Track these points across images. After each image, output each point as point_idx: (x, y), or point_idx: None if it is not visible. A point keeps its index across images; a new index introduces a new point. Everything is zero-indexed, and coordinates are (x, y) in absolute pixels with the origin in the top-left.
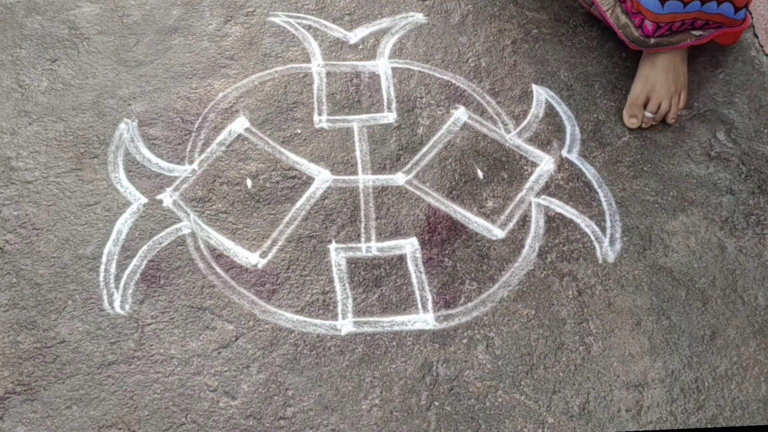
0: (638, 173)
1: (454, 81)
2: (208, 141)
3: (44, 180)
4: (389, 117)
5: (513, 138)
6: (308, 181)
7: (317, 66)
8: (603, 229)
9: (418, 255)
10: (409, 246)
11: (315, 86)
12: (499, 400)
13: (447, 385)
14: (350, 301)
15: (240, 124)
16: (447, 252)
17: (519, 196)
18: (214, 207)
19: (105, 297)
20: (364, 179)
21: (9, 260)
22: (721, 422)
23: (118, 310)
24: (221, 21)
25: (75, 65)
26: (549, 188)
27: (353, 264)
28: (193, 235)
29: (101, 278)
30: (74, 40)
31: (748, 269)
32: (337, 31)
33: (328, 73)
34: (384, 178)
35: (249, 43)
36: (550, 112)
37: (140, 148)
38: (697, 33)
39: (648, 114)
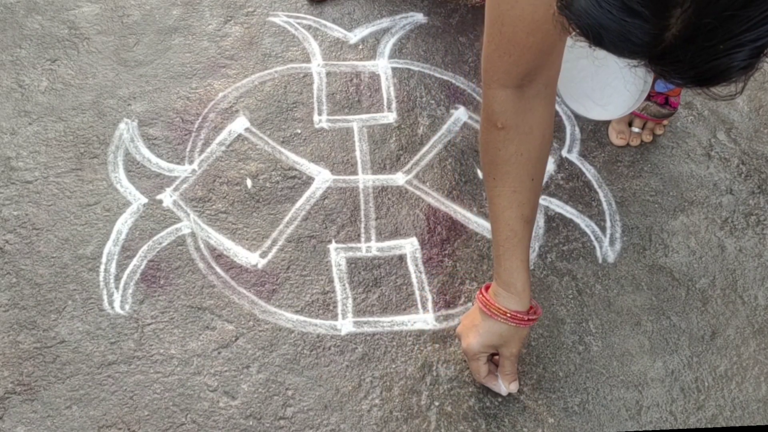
0: (638, 173)
1: (454, 81)
2: (208, 141)
3: (44, 180)
4: (389, 117)
5: None
6: (308, 181)
7: (317, 66)
8: (603, 229)
9: (418, 255)
10: (409, 246)
11: (315, 86)
12: (499, 399)
13: (447, 385)
14: (350, 301)
15: (240, 124)
16: (447, 252)
17: None
18: (214, 207)
19: (105, 297)
20: (364, 179)
21: (9, 260)
22: (721, 422)
23: (118, 310)
24: (221, 21)
25: (75, 65)
26: (549, 188)
27: (353, 264)
28: (193, 235)
29: (101, 278)
30: (74, 40)
31: (748, 269)
32: (337, 31)
33: (328, 73)
34: (384, 178)
35: (249, 43)
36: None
37: (140, 148)
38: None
39: (635, 129)
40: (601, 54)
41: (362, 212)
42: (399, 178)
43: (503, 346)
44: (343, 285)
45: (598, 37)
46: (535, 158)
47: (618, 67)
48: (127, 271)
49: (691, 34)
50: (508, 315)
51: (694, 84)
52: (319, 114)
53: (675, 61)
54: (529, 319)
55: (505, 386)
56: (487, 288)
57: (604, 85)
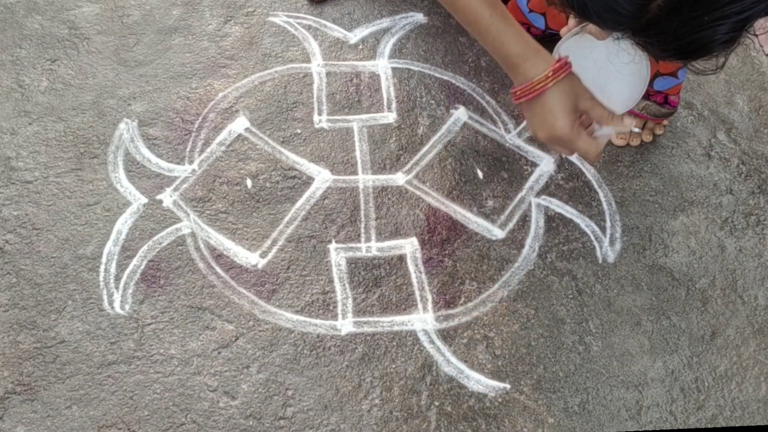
0: (638, 173)
1: (454, 81)
2: (208, 141)
3: (44, 180)
4: (389, 117)
5: (513, 138)
6: (308, 181)
7: (317, 66)
8: (603, 229)
9: (418, 255)
10: (409, 246)
11: (315, 86)
12: (499, 399)
13: (447, 385)
14: (350, 301)
15: (240, 124)
16: (447, 252)
17: (519, 196)
18: (214, 207)
19: (105, 297)
20: (364, 179)
21: (9, 260)
22: (721, 422)
23: (118, 310)
24: (221, 21)
25: (75, 65)
26: (549, 188)
27: (353, 264)
28: (193, 235)
29: (101, 278)
30: (74, 40)
31: (748, 269)
32: (337, 31)
33: (328, 73)
34: (384, 178)
35: (249, 43)
36: None
37: (140, 148)
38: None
39: (635, 129)
40: (602, 57)
41: (362, 212)
42: (399, 178)
43: (578, 100)
44: (343, 285)
45: (583, 8)
46: None
47: (617, 69)
48: (127, 271)
49: (676, 5)
50: (550, 75)
51: (676, 57)
52: (319, 114)
53: (659, 32)
54: (566, 62)
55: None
56: (514, 90)
57: (604, 87)
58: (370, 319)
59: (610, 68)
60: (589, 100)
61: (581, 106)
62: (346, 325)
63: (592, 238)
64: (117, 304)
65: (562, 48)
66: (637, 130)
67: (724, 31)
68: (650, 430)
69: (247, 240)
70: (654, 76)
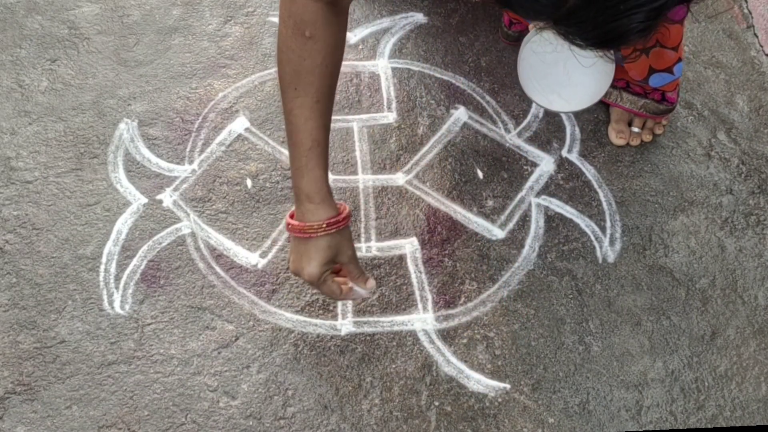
0: (638, 173)
1: (454, 81)
2: (208, 141)
3: (44, 180)
4: (389, 117)
5: (513, 138)
6: None
7: None
8: (603, 229)
9: (418, 255)
10: (409, 246)
11: None
12: (499, 399)
13: (447, 385)
14: (350, 300)
15: (240, 124)
16: (447, 252)
17: (519, 196)
18: (214, 207)
19: (105, 297)
20: (364, 179)
21: (9, 260)
22: (721, 422)
23: (118, 310)
24: (221, 21)
25: (75, 65)
26: (549, 188)
27: None
28: (193, 235)
29: (101, 278)
30: (74, 40)
31: (748, 269)
32: None
33: None
34: (384, 178)
35: (249, 43)
36: (550, 112)
37: (140, 148)
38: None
39: (635, 129)
40: (568, 52)
41: (362, 212)
42: (399, 178)
43: (338, 255)
44: None
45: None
46: (337, 71)
47: (582, 65)
48: (127, 271)
49: None
50: (324, 225)
51: (596, 46)
52: None
53: (579, 22)
54: (344, 218)
55: (362, 288)
56: (291, 216)
57: (570, 81)
58: (370, 319)
59: (577, 64)
60: (349, 256)
61: (339, 260)
62: (346, 325)
63: (592, 238)
64: (117, 304)
65: (531, 41)
66: (636, 129)
67: (639, 19)
68: (650, 430)
69: (247, 240)
70: (649, 73)
